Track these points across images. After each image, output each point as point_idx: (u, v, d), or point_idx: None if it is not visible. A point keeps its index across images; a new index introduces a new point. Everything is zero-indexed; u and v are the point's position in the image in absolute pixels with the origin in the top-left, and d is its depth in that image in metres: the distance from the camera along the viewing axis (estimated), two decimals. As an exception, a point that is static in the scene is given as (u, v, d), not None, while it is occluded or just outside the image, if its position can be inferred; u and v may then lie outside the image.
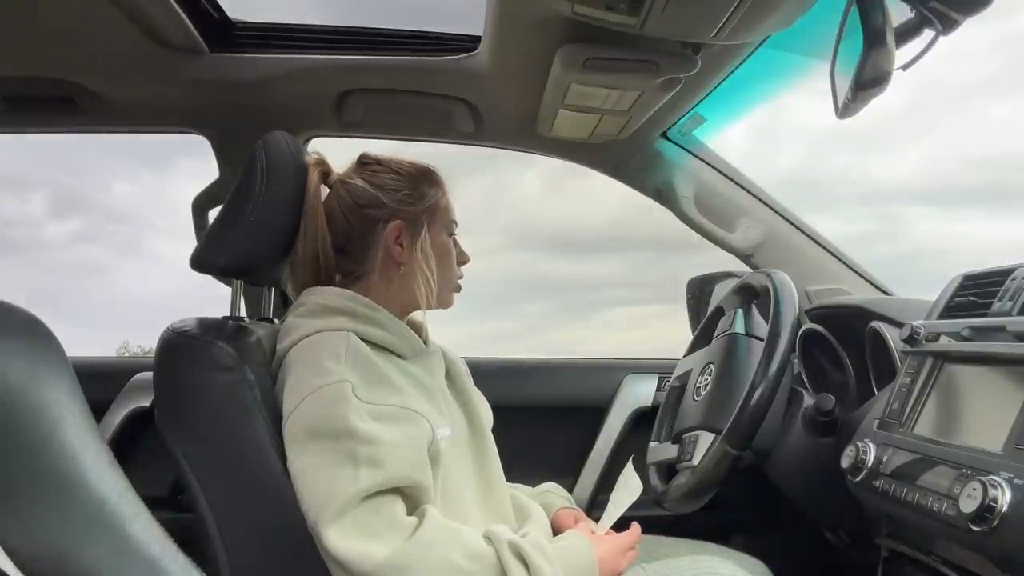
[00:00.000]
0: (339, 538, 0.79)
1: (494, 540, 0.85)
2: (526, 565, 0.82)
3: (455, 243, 1.05)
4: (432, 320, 1.06)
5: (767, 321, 1.09)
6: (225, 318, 1.02)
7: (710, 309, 1.39)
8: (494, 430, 1.07)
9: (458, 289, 1.06)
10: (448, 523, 0.85)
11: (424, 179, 1.01)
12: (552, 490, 1.17)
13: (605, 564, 0.90)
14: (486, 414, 1.07)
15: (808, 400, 1.11)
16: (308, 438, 0.84)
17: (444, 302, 1.04)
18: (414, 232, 0.98)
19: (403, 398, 0.89)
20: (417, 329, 1.03)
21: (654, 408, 1.52)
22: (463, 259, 1.06)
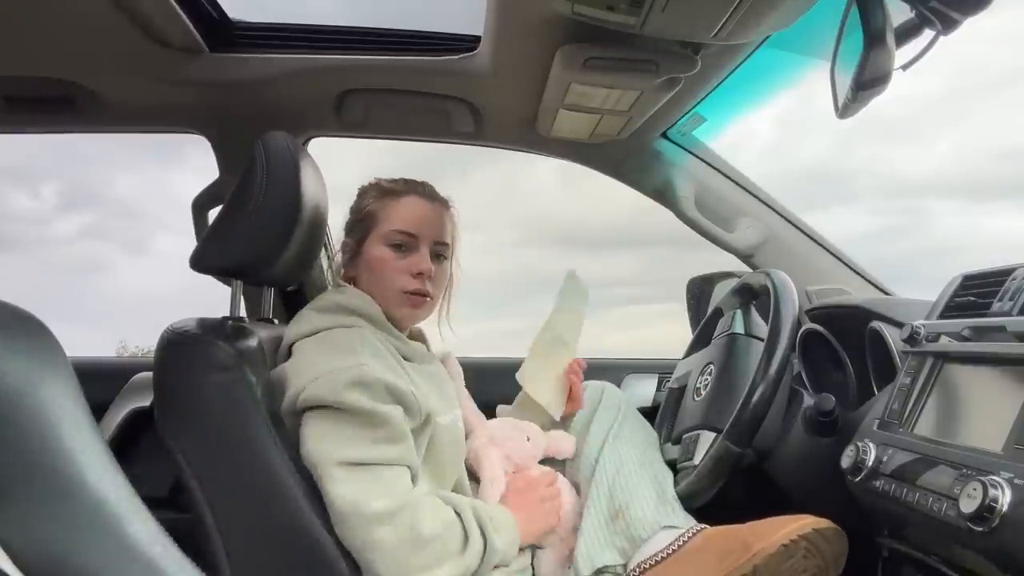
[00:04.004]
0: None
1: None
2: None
3: (403, 252, 1.07)
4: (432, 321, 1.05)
5: (767, 321, 1.09)
6: (224, 318, 1.02)
7: (709, 310, 1.39)
8: None
9: (406, 303, 1.06)
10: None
11: (369, 191, 1.13)
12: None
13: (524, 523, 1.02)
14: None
15: (808, 400, 1.11)
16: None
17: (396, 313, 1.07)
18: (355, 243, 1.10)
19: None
20: (418, 337, 1.04)
21: (654, 408, 1.51)
22: (413, 269, 1.06)
